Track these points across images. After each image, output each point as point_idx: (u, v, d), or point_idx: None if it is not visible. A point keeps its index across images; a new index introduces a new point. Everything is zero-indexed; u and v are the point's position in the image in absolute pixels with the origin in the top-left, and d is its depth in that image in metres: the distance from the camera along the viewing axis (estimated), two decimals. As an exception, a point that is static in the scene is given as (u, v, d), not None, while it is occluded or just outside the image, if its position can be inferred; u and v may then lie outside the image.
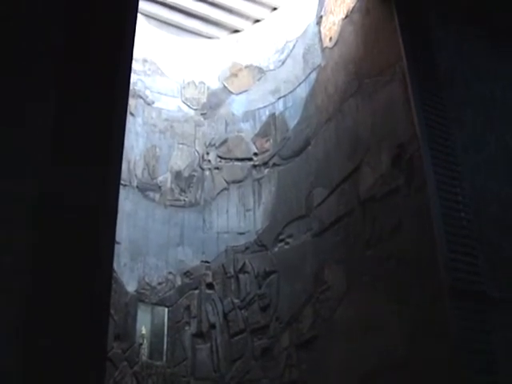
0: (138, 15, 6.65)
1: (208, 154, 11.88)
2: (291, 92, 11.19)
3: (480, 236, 6.82)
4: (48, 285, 3.83)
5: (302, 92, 10.77)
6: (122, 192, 9.37)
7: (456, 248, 6.53)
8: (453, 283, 6.31)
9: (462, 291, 6.33)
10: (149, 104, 11.78)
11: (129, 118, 9.88)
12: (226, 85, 12.45)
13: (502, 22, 8.54)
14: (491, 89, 8.10)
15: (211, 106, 12.32)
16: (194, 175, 11.67)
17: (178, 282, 10.73)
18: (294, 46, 11.49)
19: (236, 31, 12.97)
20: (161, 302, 10.45)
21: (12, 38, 4.49)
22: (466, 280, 6.42)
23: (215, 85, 12.52)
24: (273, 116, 11.52)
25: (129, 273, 10.19)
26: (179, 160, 11.71)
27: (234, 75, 12.45)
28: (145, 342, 9.95)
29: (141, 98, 11.66)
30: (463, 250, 6.58)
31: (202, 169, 11.77)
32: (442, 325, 6.23)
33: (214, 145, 11.95)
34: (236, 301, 10.49)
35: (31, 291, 3.76)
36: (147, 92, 11.83)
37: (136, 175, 11.02)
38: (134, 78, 10.67)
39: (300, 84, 10.92)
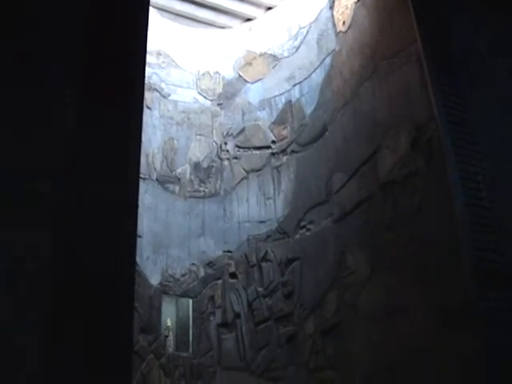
0: (150, 8, 6.63)
1: (226, 143, 11.88)
2: (306, 78, 11.15)
3: (503, 215, 6.76)
4: (71, 282, 3.85)
5: (318, 78, 10.73)
6: (142, 185, 9.37)
7: (479, 228, 6.48)
8: (477, 264, 6.27)
9: (486, 272, 6.29)
10: (165, 97, 11.79)
11: (145, 112, 9.87)
12: (241, 74, 12.43)
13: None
14: (508, 65, 8.01)
15: (227, 95, 12.31)
16: (212, 166, 11.68)
17: (201, 272, 10.76)
18: (308, 31, 11.43)
19: (248, 20, 12.94)
20: (185, 294, 10.50)
21: (29, 39, 4.50)
22: (489, 260, 6.38)
23: (230, 74, 12.49)
24: (289, 103, 11.49)
25: (152, 266, 10.23)
26: (197, 151, 11.72)
27: (249, 64, 12.43)
28: (170, 333, 10.01)
29: (156, 91, 11.67)
30: (486, 230, 6.53)
31: (221, 159, 11.77)
32: (467, 306, 6.20)
33: (232, 134, 11.94)
34: (260, 289, 10.50)
35: (55, 290, 3.78)
36: (162, 85, 11.84)
37: (155, 168, 11.05)
38: (148, 71, 10.67)
39: (315, 70, 10.87)
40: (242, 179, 11.56)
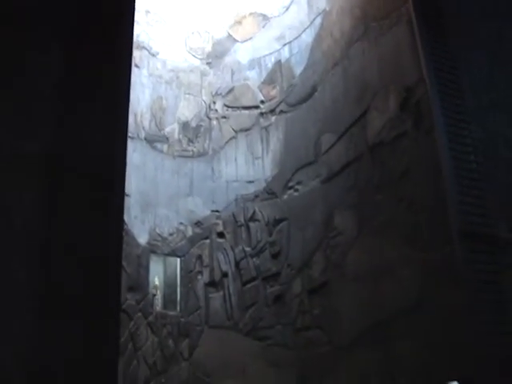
0: (139, -35, 6.55)
1: (215, 103, 11.83)
2: (296, 38, 11.07)
3: (490, 178, 6.79)
4: (60, 241, 3.85)
5: (308, 38, 10.66)
6: (130, 144, 9.34)
7: (466, 191, 6.52)
8: (463, 226, 6.32)
9: (472, 233, 6.33)
10: (153, 55, 11.69)
11: (134, 70, 9.80)
12: (231, 33, 12.32)
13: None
14: (498, 28, 7.97)
15: (216, 54, 12.22)
16: (201, 125, 11.64)
17: (189, 232, 10.80)
18: (298, -10, 11.33)
19: (239, -22, 12.79)
20: (173, 253, 10.54)
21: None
22: (476, 222, 6.42)
23: (220, 33, 12.38)
24: (279, 63, 11.43)
25: (140, 225, 10.24)
26: (186, 110, 11.67)
27: (239, 23, 12.31)
28: (158, 292, 10.06)
29: (145, 49, 11.56)
30: (473, 193, 6.57)
31: (209, 118, 11.73)
32: (453, 267, 6.26)
33: (221, 94, 11.89)
34: (247, 249, 10.55)
35: (43, 248, 3.79)
36: (151, 43, 11.73)
37: (143, 127, 11.00)
38: (137, 29, 10.55)
39: (305, 30, 10.79)
40: (231, 139, 11.53)
